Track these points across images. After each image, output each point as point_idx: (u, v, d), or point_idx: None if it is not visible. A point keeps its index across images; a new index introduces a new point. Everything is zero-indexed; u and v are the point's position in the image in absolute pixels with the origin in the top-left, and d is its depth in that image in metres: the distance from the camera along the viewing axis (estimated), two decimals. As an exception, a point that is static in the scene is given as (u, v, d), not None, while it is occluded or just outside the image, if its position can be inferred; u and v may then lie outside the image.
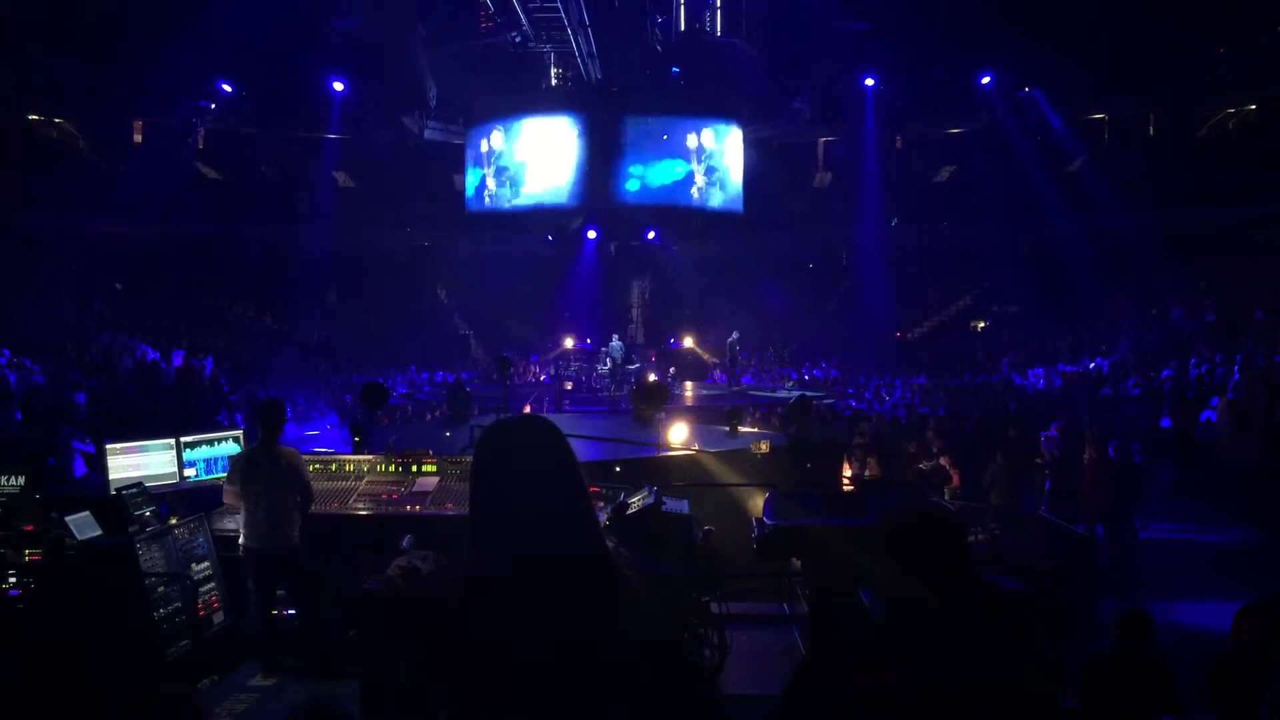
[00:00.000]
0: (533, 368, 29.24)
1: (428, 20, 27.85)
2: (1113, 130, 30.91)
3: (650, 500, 6.73)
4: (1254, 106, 27.96)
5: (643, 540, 6.12)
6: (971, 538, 8.19)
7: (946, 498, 11.48)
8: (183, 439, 7.76)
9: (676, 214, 30.75)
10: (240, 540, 7.02)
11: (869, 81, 29.36)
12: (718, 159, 30.04)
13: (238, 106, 28.85)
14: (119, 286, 27.75)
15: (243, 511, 6.97)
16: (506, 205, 30.15)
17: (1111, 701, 3.03)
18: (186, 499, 7.67)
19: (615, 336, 25.47)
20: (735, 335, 26.87)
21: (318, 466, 8.09)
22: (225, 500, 7.21)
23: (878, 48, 28.34)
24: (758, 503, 7.72)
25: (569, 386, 24.56)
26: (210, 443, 7.97)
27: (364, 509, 7.59)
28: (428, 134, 31.96)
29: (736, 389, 25.65)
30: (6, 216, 24.70)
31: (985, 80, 28.26)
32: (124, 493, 6.85)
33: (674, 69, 29.57)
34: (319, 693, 6.51)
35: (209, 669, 6.76)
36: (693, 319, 30.73)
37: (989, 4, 26.49)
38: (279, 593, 7.15)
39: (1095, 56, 25.99)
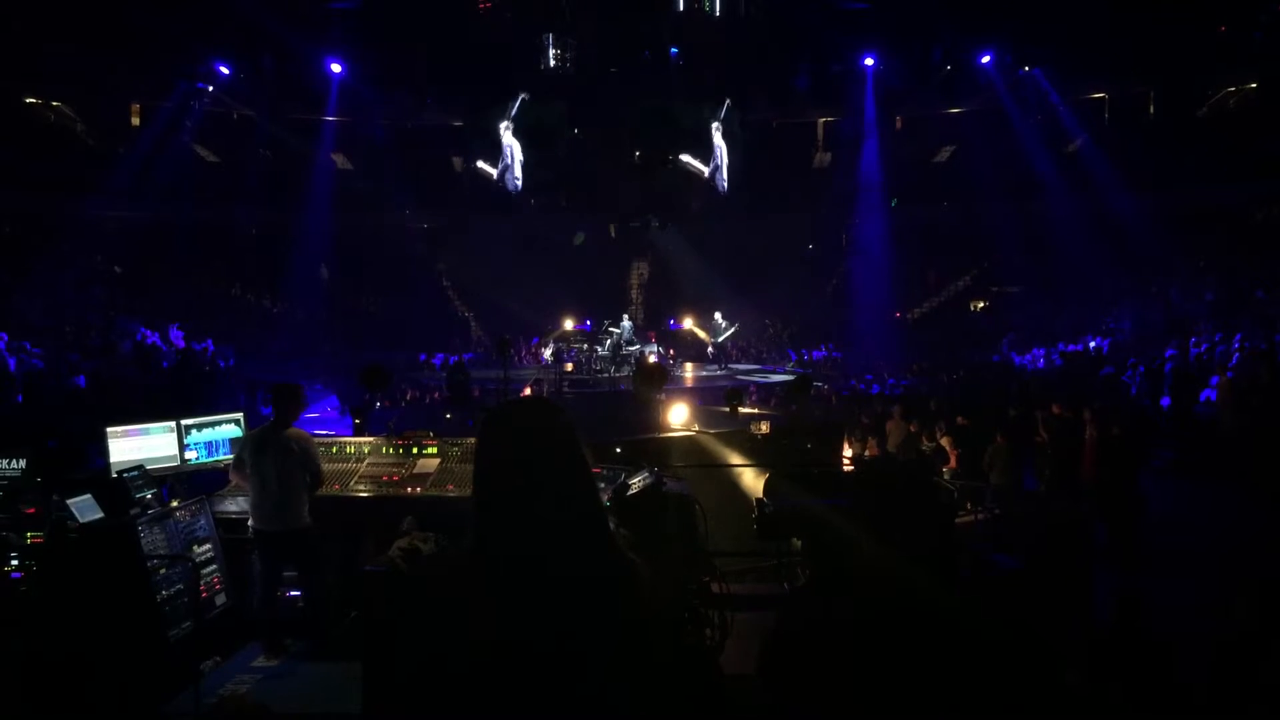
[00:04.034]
0: (533, 349, 29.25)
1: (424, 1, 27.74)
2: (1113, 109, 30.80)
3: (650, 481, 6.74)
4: (1254, 85, 27.84)
5: (643, 521, 6.12)
6: (970, 517, 8.21)
7: (946, 478, 11.50)
8: (183, 421, 7.76)
9: (675, 195, 30.71)
10: (249, 522, 7.05)
11: (868, 61, 29.26)
12: (716, 140, 29.98)
13: (235, 88, 28.73)
14: (118, 269, 27.72)
15: (250, 493, 7.01)
16: (508, 187, 30.15)
17: None
18: (188, 481, 7.68)
19: (625, 316, 25.49)
20: (718, 316, 26.84)
21: (318, 449, 8.11)
22: (231, 479, 7.24)
23: (877, 27, 28.22)
24: (758, 483, 7.74)
25: (569, 368, 24.57)
26: (211, 425, 7.98)
27: (365, 491, 7.61)
28: (426, 116, 31.88)
29: (724, 370, 25.62)
30: (4, 200, 24.66)
31: (985, 60, 28.16)
32: (125, 475, 6.85)
33: (672, 49, 29.46)
34: (322, 674, 6.58)
35: (211, 651, 6.78)
36: (692, 300, 30.68)
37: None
38: (287, 574, 7.17)
39: (1095, 35, 25.88)
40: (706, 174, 30.00)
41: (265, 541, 7.01)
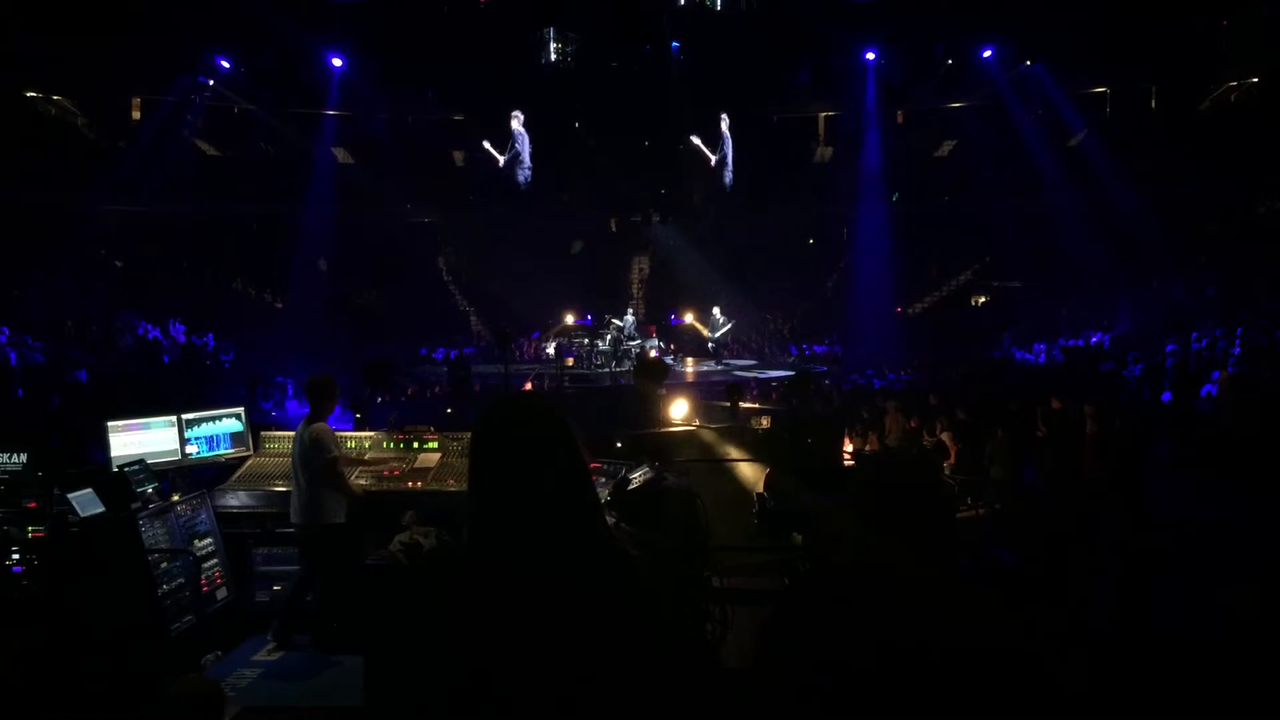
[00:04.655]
0: (534, 343, 29.26)
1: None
2: (1114, 104, 30.77)
3: (651, 476, 6.74)
4: (1256, 79, 27.80)
5: (644, 515, 6.12)
6: (971, 513, 8.22)
7: (946, 473, 11.49)
8: (184, 416, 7.77)
9: (676, 190, 30.73)
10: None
11: (870, 55, 29.25)
12: (724, 131, 30.08)
13: (236, 82, 28.71)
14: (119, 264, 27.71)
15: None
16: (517, 178, 30.24)
17: None
18: (188, 475, 7.70)
19: (629, 311, 25.48)
20: (716, 311, 26.76)
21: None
22: None
23: (878, 21, 28.20)
24: (759, 478, 7.74)
25: (570, 363, 24.57)
26: (212, 420, 7.98)
27: (366, 485, 7.62)
28: (427, 110, 31.87)
29: (720, 366, 25.57)
30: (5, 194, 24.64)
31: (987, 54, 28.13)
32: (126, 469, 6.87)
33: (674, 44, 29.45)
34: (323, 667, 6.59)
35: (212, 644, 6.80)
36: (694, 295, 30.66)
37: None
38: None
39: (1097, 30, 25.84)
40: (714, 161, 30.05)
41: (296, 535, 7.11)
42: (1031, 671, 2.29)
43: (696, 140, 30.43)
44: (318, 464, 7.05)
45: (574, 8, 27.37)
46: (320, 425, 7.24)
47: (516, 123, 29.82)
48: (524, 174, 30.12)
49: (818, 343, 29.10)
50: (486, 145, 30.44)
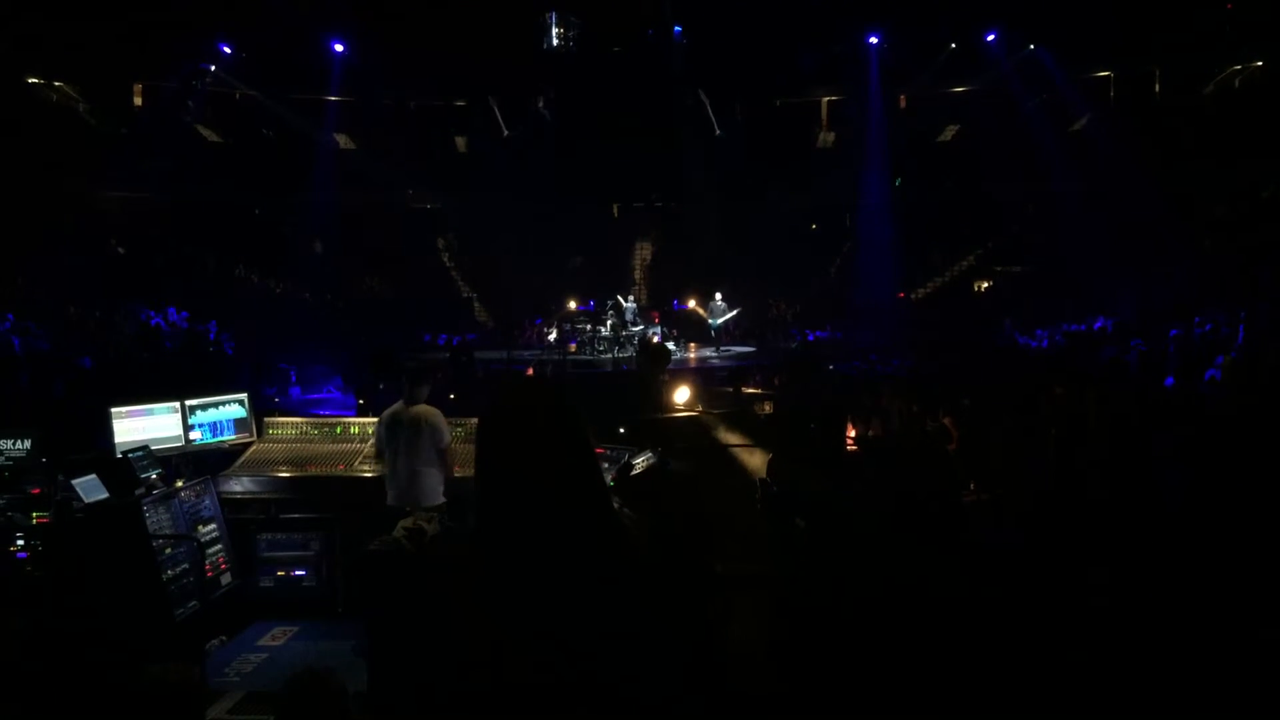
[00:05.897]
0: (536, 329, 29.25)
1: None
2: (1118, 88, 30.67)
3: (654, 461, 6.76)
4: (1260, 64, 27.70)
5: (647, 500, 6.14)
6: (973, 498, 8.22)
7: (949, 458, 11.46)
8: (187, 402, 7.78)
9: (679, 174, 30.73)
10: (386, 500, 7.19)
11: (873, 40, 29.15)
12: (720, 119, 30.09)
13: (238, 68, 28.65)
14: (121, 250, 27.70)
15: (386, 471, 7.20)
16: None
17: None
18: (192, 461, 7.72)
19: (631, 296, 25.46)
20: (718, 297, 26.68)
21: (322, 430, 8.15)
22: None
23: (882, 5, 28.11)
24: (762, 464, 7.75)
25: (573, 349, 24.55)
26: (215, 405, 7.99)
27: (370, 471, 7.64)
28: (428, 96, 31.82)
29: (716, 352, 25.51)
30: (7, 181, 24.63)
31: (990, 38, 28.03)
32: (130, 455, 6.88)
33: (676, 28, 29.37)
34: (329, 653, 6.60)
35: (217, 630, 6.83)
36: (696, 281, 30.63)
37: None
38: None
39: (1101, 14, 25.74)
40: (718, 131, 30.14)
41: (394, 519, 7.15)
42: (1035, 657, 2.30)
43: (703, 96, 30.42)
44: (436, 445, 7.11)
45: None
46: (434, 409, 7.30)
47: (541, 102, 29.93)
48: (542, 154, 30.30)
49: (820, 328, 29.03)
50: (492, 103, 30.44)
